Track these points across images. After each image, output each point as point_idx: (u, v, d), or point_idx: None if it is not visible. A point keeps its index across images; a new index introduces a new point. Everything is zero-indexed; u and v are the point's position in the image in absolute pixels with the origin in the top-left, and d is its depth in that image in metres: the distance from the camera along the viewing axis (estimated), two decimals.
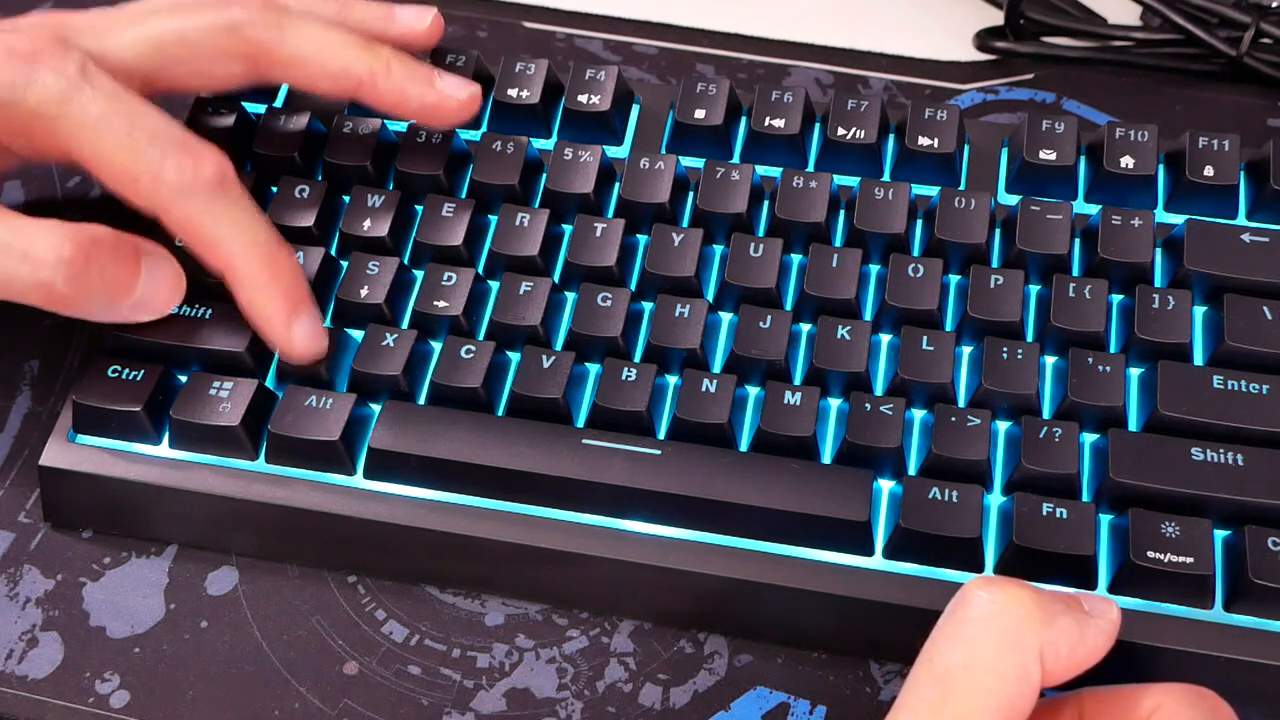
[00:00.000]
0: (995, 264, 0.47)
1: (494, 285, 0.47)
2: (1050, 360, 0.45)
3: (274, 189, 0.49)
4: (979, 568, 0.42)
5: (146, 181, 0.43)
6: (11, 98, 0.43)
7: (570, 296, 0.47)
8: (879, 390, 0.45)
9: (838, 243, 0.48)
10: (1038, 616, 0.34)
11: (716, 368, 0.46)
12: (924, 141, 0.49)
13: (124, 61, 0.46)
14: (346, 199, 0.49)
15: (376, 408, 0.45)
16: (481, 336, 0.46)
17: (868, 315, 0.46)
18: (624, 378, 0.44)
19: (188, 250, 0.45)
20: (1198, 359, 0.45)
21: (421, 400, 0.45)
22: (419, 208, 0.49)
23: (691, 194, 0.49)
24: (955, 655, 0.33)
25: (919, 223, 0.48)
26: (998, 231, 0.48)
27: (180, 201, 0.43)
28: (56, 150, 0.44)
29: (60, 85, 0.43)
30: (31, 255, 0.42)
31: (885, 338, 0.46)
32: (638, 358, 0.46)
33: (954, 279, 0.47)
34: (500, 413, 0.45)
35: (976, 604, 0.34)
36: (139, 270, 0.44)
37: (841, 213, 0.48)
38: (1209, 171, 0.47)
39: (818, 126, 0.50)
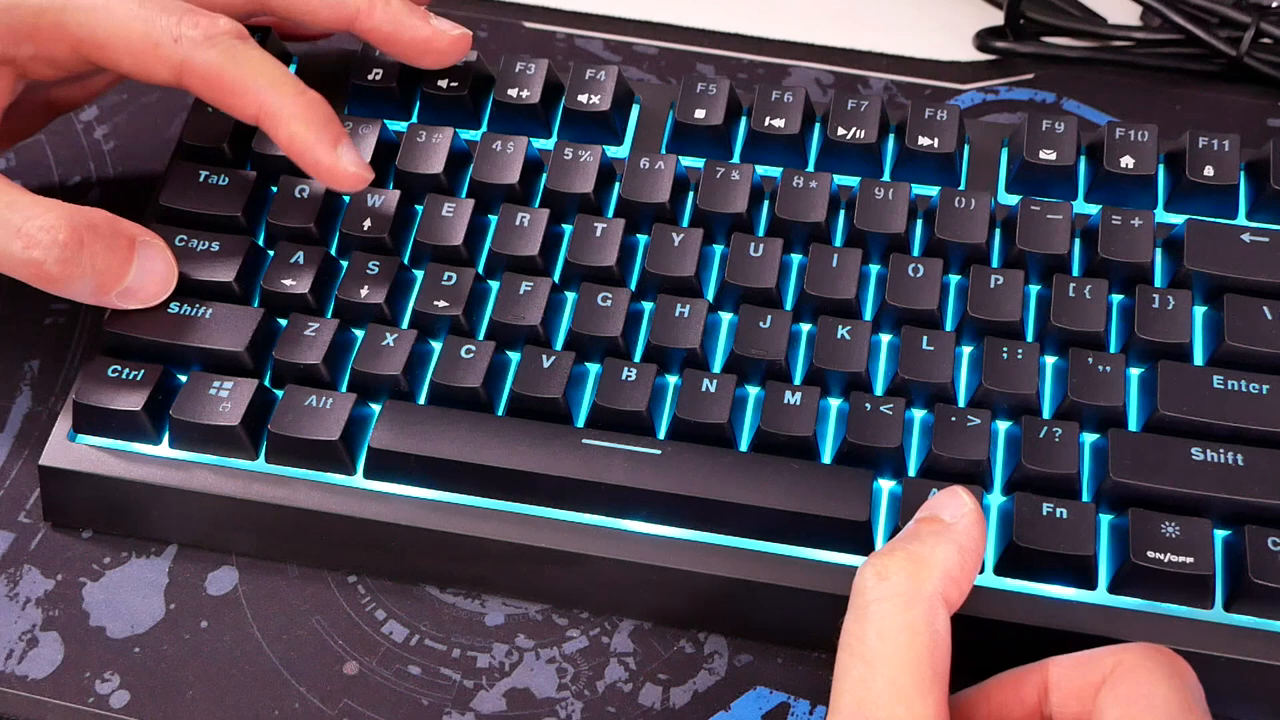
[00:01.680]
0: (995, 264, 0.47)
1: (494, 285, 0.47)
2: (1050, 360, 0.45)
3: (274, 189, 0.49)
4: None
5: (167, 44, 0.44)
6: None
7: (570, 296, 0.47)
8: (879, 390, 0.45)
9: (838, 243, 0.48)
10: (920, 568, 0.36)
11: (716, 368, 0.46)
12: (924, 141, 0.49)
13: None
14: (347, 199, 0.49)
15: (376, 408, 0.45)
16: (481, 336, 0.46)
17: (868, 315, 0.46)
18: (624, 378, 0.44)
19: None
20: (1198, 359, 0.45)
21: (421, 400, 0.45)
22: (419, 207, 0.49)
23: (691, 194, 0.49)
24: (868, 631, 0.36)
25: (919, 223, 0.48)
26: (998, 231, 0.48)
27: (202, 52, 0.44)
28: (65, 47, 0.45)
29: None
30: (26, 232, 0.43)
31: (885, 338, 0.46)
32: (638, 358, 0.46)
33: (954, 279, 0.47)
34: (500, 413, 0.45)
35: (869, 585, 0.36)
36: (131, 260, 0.45)
37: (841, 213, 0.48)
38: (1209, 171, 0.47)
39: (818, 126, 0.50)
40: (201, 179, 0.49)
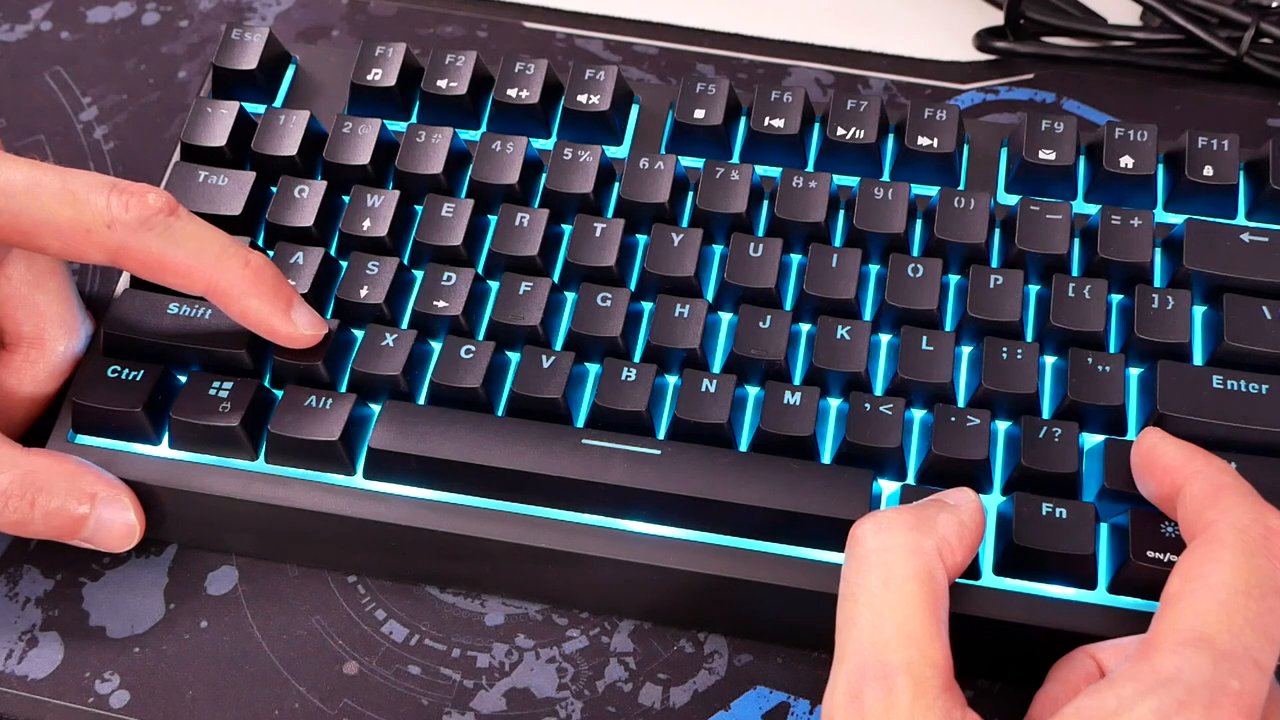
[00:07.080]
0: (995, 264, 0.47)
1: (494, 285, 0.47)
2: (1050, 360, 0.45)
3: (274, 189, 0.49)
4: (976, 569, 0.42)
5: (99, 229, 0.42)
6: None
7: (570, 296, 0.47)
8: (879, 390, 0.45)
9: (837, 243, 0.48)
10: (922, 526, 0.38)
11: (716, 368, 0.46)
12: (924, 141, 0.49)
13: None
14: (346, 199, 0.49)
15: (376, 408, 0.45)
16: (481, 336, 0.46)
17: (867, 315, 0.46)
18: (624, 378, 0.44)
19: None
20: (1197, 359, 0.45)
21: (421, 400, 0.45)
22: (419, 208, 0.49)
23: (691, 194, 0.49)
24: (873, 579, 0.36)
25: (919, 223, 0.48)
26: (997, 231, 0.48)
27: (140, 238, 0.43)
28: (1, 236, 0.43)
29: None
30: None
31: (885, 338, 0.46)
32: (637, 358, 0.46)
33: (954, 279, 0.47)
34: (500, 413, 0.45)
35: (869, 538, 0.37)
36: (86, 519, 0.44)
37: (841, 213, 0.48)
38: (1208, 171, 0.47)
39: (817, 126, 0.50)
40: (201, 179, 0.49)
